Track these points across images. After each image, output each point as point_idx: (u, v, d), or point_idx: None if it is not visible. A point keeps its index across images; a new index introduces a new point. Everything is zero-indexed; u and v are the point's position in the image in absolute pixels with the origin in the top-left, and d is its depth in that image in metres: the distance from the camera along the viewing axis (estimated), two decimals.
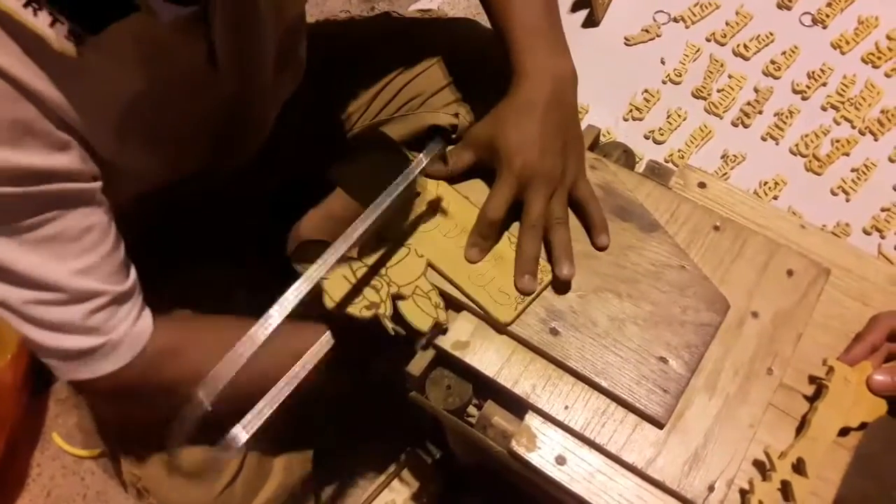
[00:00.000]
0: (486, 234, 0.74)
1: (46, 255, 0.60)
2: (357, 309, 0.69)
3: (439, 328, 0.71)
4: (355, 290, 0.69)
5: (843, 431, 0.65)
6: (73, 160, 0.60)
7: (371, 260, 0.72)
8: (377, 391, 1.20)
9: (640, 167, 0.86)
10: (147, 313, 0.68)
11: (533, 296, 0.72)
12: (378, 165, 0.79)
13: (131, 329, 0.66)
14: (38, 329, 0.62)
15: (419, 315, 0.70)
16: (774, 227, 0.78)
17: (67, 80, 0.56)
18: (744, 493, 0.64)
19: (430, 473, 1.14)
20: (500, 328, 0.71)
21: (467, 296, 0.72)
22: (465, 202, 0.78)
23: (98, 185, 0.64)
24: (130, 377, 0.67)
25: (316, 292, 0.66)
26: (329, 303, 0.68)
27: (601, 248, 0.75)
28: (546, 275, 0.73)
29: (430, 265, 0.74)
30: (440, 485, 1.13)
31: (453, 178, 0.79)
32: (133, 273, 0.68)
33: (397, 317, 0.71)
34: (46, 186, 0.58)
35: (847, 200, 1.37)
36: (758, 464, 0.65)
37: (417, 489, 1.13)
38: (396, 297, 0.71)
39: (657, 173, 0.82)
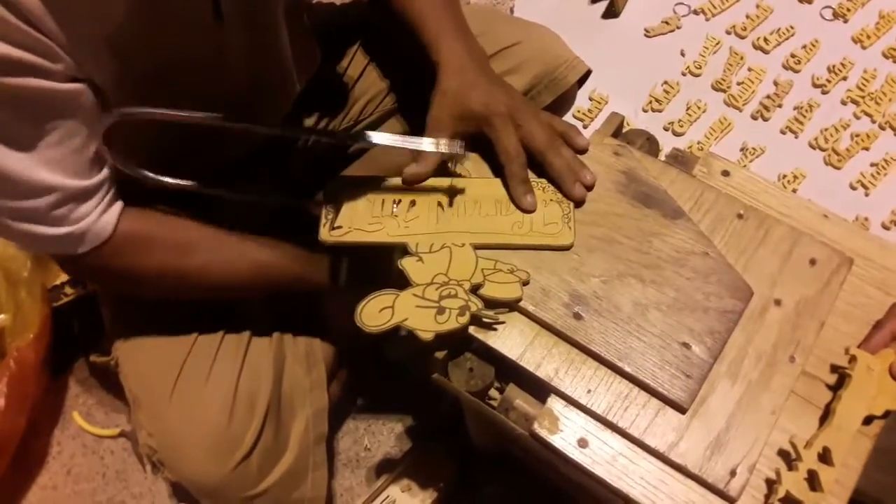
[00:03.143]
0: (526, 177, 0.77)
1: (10, 146, 0.64)
2: (453, 321, 0.69)
3: (527, 283, 0.73)
4: (437, 311, 0.70)
5: (867, 420, 0.65)
6: (45, 61, 0.61)
7: (426, 278, 0.72)
8: (397, 370, 1.21)
9: (661, 157, 0.87)
10: (114, 209, 0.75)
11: (573, 208, 0.76)
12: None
13: (95, 223, 0.72)
14: (6, 217, 0.69)
15: (505, 288, 0.72)
16: (797, 216, 0.78)
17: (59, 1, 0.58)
18: (770, 483, 0.64)
19: (447, 459, 1.15)
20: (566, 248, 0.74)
21: (523, 247, 0.74)
22: (458, 179, 0.79)
23: (76, 86, 0.66)
24: (96, 262, 0.75)
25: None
26: (426, 336, 0.69)
27: (584, 149, 0.80)
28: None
29: (475, 247, 0.74)
30: (456, 471, 1.14)
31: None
32: (104, 170, 0.72)
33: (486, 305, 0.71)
34: (13, 79, 0.60)
35: (866, 195, 1.37)
36: (782, 453, 0.66)
37: (434, 474, 1.14)
38: (474, 290, 0.71)
39: (680, 161, 0.82)
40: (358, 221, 0.76)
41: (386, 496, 1.13)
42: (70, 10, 0.60)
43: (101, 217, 0.73)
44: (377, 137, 0.74)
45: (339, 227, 0.75)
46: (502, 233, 0.75)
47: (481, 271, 0.72)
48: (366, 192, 0.78)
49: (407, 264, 0.73)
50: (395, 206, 0.77)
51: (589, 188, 0.77)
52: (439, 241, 0.74)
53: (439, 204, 0.77)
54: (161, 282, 0.81)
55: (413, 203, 0.77)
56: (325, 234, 0.75)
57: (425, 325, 0.69)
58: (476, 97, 0.77)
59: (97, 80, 0.67)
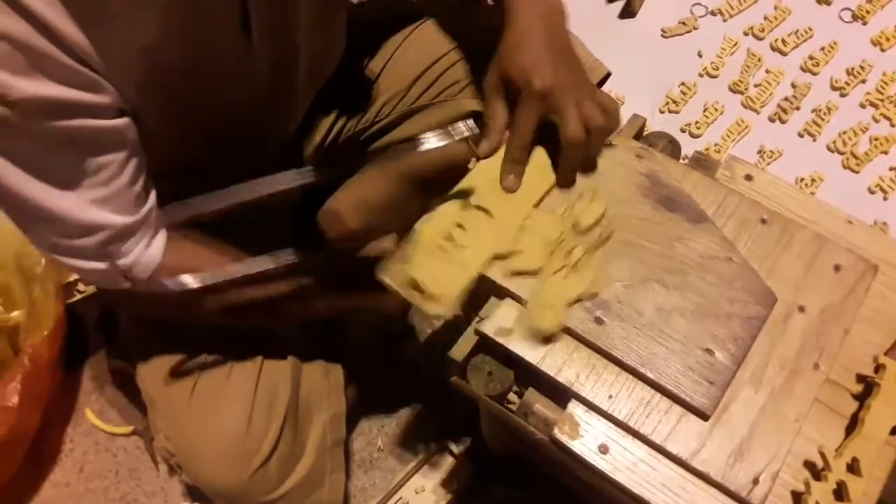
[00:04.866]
0: (518, 159, 0.75)
1: (62, 188, 0.63)
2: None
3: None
4: None
5: (893, 429, 0.64)
6: (94, 96, 0.61)
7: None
8: (411, 371, 1.20)
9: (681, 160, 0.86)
10: (159, 239, 0.73)
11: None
12: None
13: (142, 256, 0.71)
14: (56, 254, 0.69)
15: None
16: (821, 221, 0.78)
17: (92, 22, 0.57)
18: (797, 495, 0.63)
19: (461, 461, 1.14)
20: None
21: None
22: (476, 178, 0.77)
23: (123, 121, 0.65)
24: (142, 292, 0.74)
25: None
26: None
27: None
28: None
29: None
30: (470, 473, 1.14)
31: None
32: (149, 202, 0.71)
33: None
34: (66, 122, 0.59)
35: (885, 199, 1.35)
36: (808, 463, 0.65)
37: (447, 476, 1.13)
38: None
39: (703, 164, 0.81)
40: (444, 282, 0.71)
41: (399, 497, 1.13)
42: (107, 34, 0.59)
43: (147, 250, 0.72)
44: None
45: (438, 299, 0.70)
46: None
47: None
48: (424, 251, 0.73)
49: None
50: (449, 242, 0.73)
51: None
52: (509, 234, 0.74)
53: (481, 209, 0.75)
54: (205, 308, 0.80)
55: (461, 226, 0.74)
56: (430, 308, 0.70)
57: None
58: (521, 64, 0.73)
59: (131, 99, 0.66)
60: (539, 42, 0.74)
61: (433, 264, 0.71)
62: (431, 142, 0.74)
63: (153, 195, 0.72)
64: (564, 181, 0.76)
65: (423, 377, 1.19)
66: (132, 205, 0.69)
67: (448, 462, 1.15)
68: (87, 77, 0.59)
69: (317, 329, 0.99)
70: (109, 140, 0.65)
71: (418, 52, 1.00)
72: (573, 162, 0.75)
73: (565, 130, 0.73)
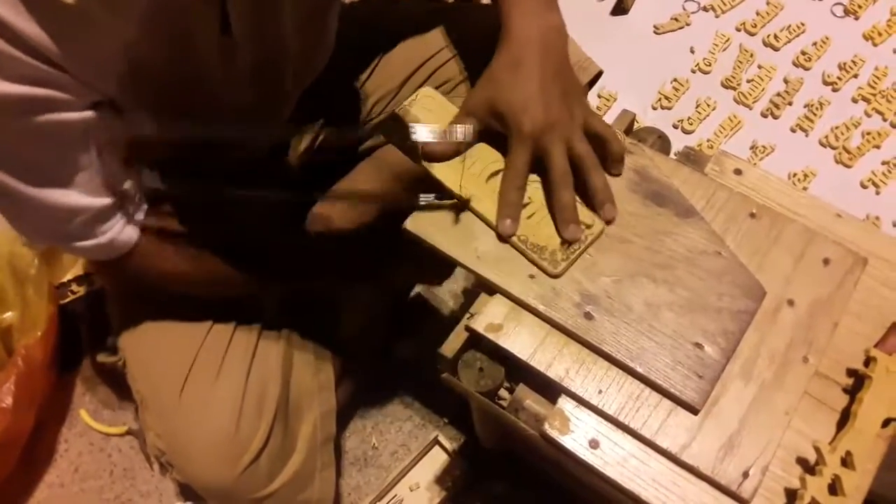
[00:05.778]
0: (513, 201, 0.73)
1: (40, 178, 0.66)
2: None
3: None
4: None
5: (885, 422, 0.64)
6: (59, 93, 0.62)
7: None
8: (405, 369, 1.21)
9: (672, 155, 0.86)
10: (138, 217, 0.78)
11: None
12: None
13: (118, 236, 0.76)
14: (38, 235, 0.76)
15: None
16: (810, 215, 0.77)
17: (66, 26, 0.58)
18: (791, 491, 0.63)
19: (455, 458, 1.14)
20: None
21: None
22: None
23: (92, 113, 0.66)
24: (120, 266, 0.79)
25: None
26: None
27: (615, 175, 0.77)
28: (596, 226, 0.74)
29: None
30: (464, 470, 1.14)
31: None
32: (125, 184, 0.74)
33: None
34: (34, 118, 0.61)
35: (877, 193, 1.36)
36: (800, 458, 0.65)
37: (442, 473, 1.14)
38: None
39: (692, 159, 0.81)
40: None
41: (394, 495, 1.13)
42: (85, 35, 0.59)
43: (126, 228, 0.76)
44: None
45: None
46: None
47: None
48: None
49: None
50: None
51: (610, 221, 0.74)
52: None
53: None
54: (182, 279, 0.84)
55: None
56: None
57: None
58: (510, 100, 0.71)
59: (112, 91, 0.67)
60: (532, 71, 0.72)
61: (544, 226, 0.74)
62: (422, 133, 0.73)
63: (130, 178, 0.75)
64: (562, 220, 0.73)
65: (416, 374, 1.20)
66: (108, 188, 0.72)
67: (442, 459, 1.15)
68: (50, 74, 0.60)
69: (307, 319, 1.00)
70: (79, 130, 0.66)
71: (409, 50, 1.00)
72: (564, 200, 0.72)
73: (550, 172, 0.72)
